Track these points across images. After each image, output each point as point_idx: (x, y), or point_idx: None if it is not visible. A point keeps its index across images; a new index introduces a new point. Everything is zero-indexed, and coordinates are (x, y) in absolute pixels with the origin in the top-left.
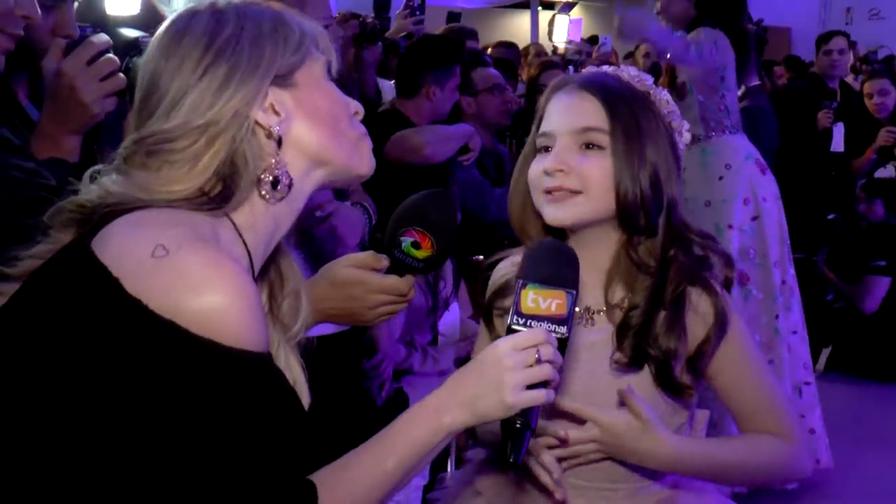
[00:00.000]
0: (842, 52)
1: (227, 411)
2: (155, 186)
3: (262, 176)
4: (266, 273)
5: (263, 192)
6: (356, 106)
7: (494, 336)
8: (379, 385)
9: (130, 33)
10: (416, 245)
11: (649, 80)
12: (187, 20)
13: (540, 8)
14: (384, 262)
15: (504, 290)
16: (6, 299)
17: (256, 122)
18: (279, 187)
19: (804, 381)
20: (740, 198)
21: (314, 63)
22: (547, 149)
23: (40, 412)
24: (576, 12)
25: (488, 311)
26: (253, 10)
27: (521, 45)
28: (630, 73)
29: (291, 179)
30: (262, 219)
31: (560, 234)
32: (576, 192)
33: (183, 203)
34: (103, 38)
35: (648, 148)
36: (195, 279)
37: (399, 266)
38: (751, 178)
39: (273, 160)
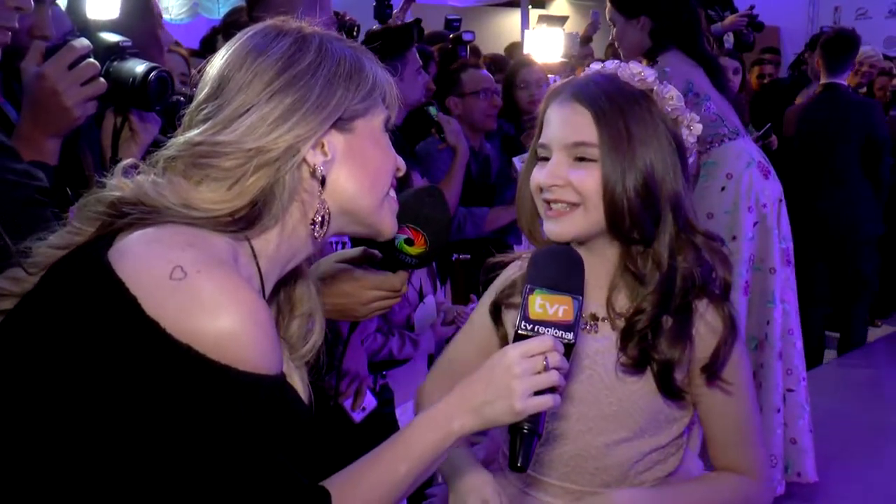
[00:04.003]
0: None
1: (241, 432)
2: (194, 201)
3: (314, 216)
4: (275, 295)
5: (315, 233)
6: (401, 163)
7: (501, 333)
8: (353, 401)
9: (111, 37)
10: (409, 242)
11: (651, 76)
12: (271, 39)
13: (531, 7)
14: (375, 257)
15: (511, 288)
16: (23, 284)
17: (304, 159)
18: (324, 225)
19: (787, 387)
20: (744, 206)
21: (376, 116)
22: (546, 159)
23: (51, 427)
24: (569, 25)
25: (497, 308)
26: (336, 47)
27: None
28: (631, 71)
29: (330, 218)
30: (279, 248)
31: None
32: (574, 205)
33: (207, 222)
34: (84, 42)
35: (639, 155)
36: (211, 303)
37: (392, 262)
38: (752, 185)
39: (318, 201)
